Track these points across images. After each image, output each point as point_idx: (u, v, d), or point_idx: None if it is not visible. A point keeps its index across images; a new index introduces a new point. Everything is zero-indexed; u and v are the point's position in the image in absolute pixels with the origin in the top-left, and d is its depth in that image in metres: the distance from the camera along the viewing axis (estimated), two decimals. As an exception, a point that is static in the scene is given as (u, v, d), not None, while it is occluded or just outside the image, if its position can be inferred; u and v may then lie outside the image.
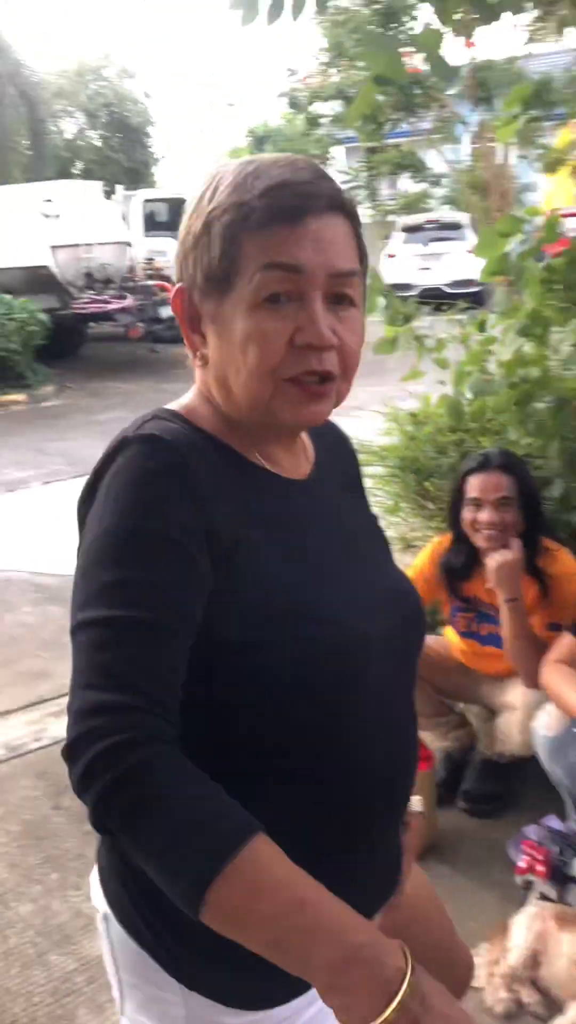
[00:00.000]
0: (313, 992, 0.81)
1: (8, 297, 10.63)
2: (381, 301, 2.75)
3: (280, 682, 0.79)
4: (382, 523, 1.12)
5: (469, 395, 2.98)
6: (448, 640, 2.59)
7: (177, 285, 0.87)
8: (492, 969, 1.89)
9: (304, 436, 1.00)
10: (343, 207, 0.83)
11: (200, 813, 0.70)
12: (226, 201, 0.81)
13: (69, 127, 28.35)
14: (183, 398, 0.93)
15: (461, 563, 2.39)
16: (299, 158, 0.85)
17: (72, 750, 0.73)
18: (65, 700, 0.78)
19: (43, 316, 10.78)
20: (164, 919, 0.84)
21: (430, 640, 2.65)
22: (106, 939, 0.93)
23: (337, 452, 1.07)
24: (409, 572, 2.54)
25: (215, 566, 0.80)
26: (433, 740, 2.56)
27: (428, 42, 2.32)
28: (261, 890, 0.68)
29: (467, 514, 2.31)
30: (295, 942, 0.68)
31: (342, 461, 1.07)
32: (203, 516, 0.79)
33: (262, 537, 0.85)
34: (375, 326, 3.07)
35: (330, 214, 0.81)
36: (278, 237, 0.79)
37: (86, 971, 1.98)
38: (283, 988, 0.87)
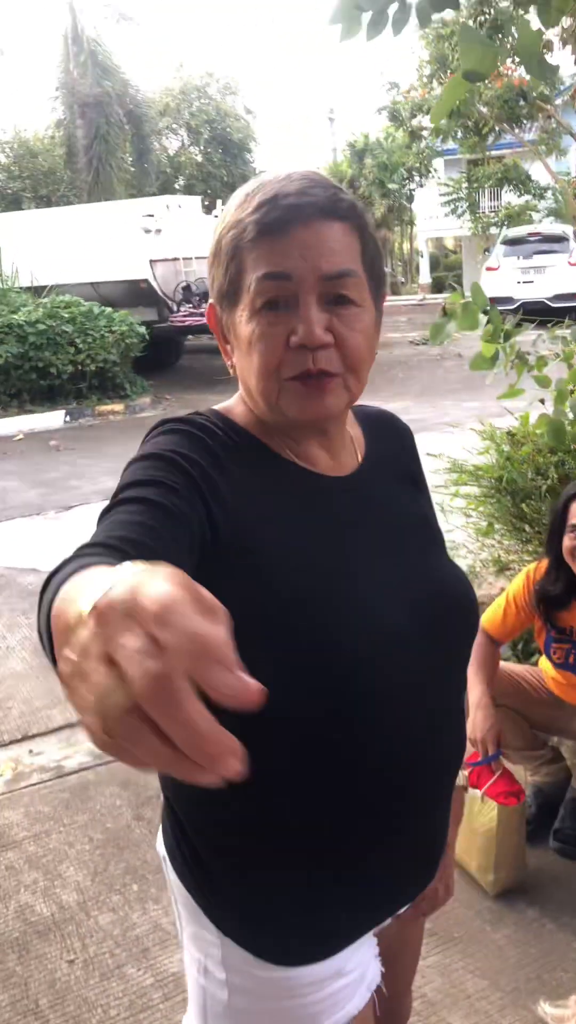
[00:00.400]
0: (339, 965, 0.95)
1: (108, 310, 10.96)
2: (482, 319, 2.67)
3: (276, 671, 0.75)
4: (441, 520, 1.12)
5: (571, 415, 2.87)
6: (542, 671, 2.49)
7: (210, 302, 0.95)
8: (582, 1024, 1.79)
9: (355, 432, 1.02)
10: (339, 212, 0.86)
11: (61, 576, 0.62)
12: (230, 220, 0.88)
13: (172, 144, 29.13)
14: (226, 401, 0.99)
15: (559, 591, 2.29)
16: (296, 171, 0.89)
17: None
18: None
19: (142, 328, 11.06)
20: (206, 874, 0.95)
21: (523, 670, 2.55)
22: (167, 878, 1.05)
23: (391, 445, 1.08)
24: (501, 598, 2.47)
25: (221, 528, 0.83)
26: (525, 774, 2.46)
27: (527, 41, 2.24)
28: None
29: (568, 541, 2.21)
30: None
31: (396, 454, 1.08)
32: (214, 473, 0.85)
33: (278, 530, 0.88)
34: (473, 340, 3.00)
35: (320, 220, 0.84)
36: (267, 248, 0.84)
37: (162, 987, 1.98)
38: (306, 952, 0.94)
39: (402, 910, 1.04)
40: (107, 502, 0.81)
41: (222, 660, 0.41)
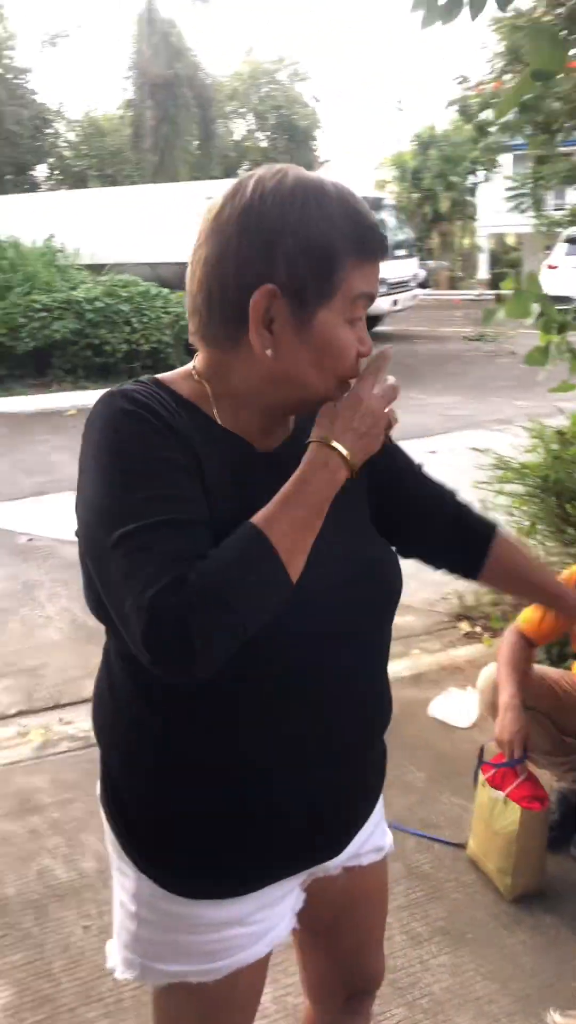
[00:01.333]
0: (241, 914, 1.03)
1: (165, 291, 11.02)
2: (535, 308, 2.62)
3: None
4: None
5: (624, 417, 2.80)
6: (574, 676, 2.44)
7: (267, 286, 0.93)
8: (593, 1036, 1.76)
9: None
10: None
11: (232, 555, 0.87)
12: (341, 225, 0.94)
13: (238, 128, 29.11)
14: (166, 373, 1.05)
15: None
16: (354, 190, 1.00)
17: (150, 629, 0.82)
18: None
19: (196, 311, 11.06)
20: (125, 815, 1.05)
21: (556, 675, 2.50)
22: (101, 812, 1.15)
23: None
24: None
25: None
26: (550, 780, 2.43)
27: None
28: (280, 523, 0.89)
29: (611, 545, 2.16)
30: (320, 494, 0.93)
31: None
32: (180, 445, 0.93)
33: (211, 495, 0.95)
34: (529, 338, 2.94)
35: None
36: (370, 269, 0.97)
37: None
38: (207, 889, 1.02)
39: (331, 866, 1.11)
40: None
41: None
